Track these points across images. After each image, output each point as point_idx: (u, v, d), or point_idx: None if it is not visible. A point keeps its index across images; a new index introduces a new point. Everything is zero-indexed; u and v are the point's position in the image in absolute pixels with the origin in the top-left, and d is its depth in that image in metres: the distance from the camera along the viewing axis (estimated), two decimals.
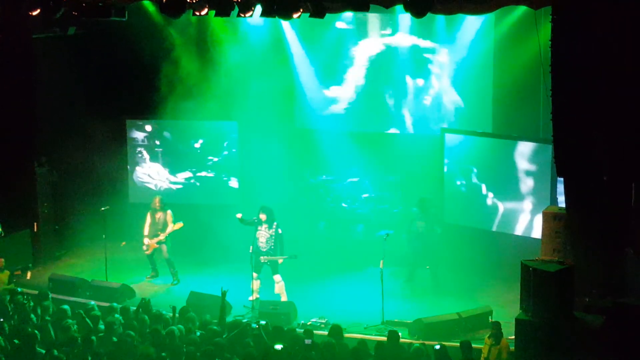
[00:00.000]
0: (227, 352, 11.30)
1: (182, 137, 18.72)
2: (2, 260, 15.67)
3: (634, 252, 13.00)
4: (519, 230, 16.38)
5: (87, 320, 12.48)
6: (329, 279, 16.54)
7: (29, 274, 16.95)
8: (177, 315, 12.84)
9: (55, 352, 11.01)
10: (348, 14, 17.46)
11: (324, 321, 14.25)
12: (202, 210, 18.06)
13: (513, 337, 12.36)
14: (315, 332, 12.49)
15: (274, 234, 15.24)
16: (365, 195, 18.42)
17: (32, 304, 13.35)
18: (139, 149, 18.89)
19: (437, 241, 16.24)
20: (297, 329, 13.06)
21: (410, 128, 18.25)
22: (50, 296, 13.74)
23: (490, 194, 16.77)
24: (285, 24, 18.16)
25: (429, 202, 16.39)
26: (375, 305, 14.51)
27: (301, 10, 13.84)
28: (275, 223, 15.29)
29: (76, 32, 17.61)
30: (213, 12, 14.09)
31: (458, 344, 12.05)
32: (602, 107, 12.36)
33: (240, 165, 18.46)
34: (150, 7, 17.11)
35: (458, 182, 17.16)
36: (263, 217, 15.24)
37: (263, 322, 12.54)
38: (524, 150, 16.21)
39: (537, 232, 15.31)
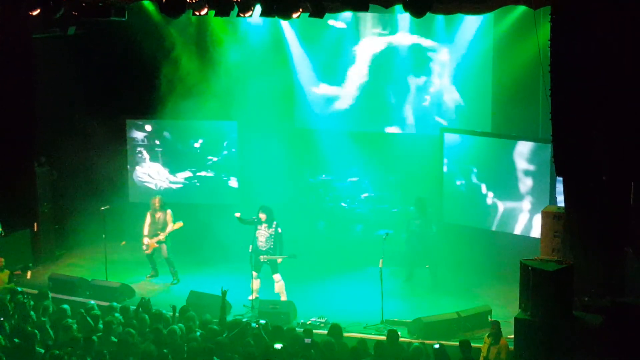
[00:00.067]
0: (229, 351, 11.32)
1: (181, 137, 18.73)
2: (2, 259, 15.68)
3: (634, 251, 13.02)
4: (518, 229, 16.40)
5: (89, 319, 12.49)
6: (328, 278, 16.55)
7: (29, 274, 16.94)
8: (177, 314, 12.86)
9: (57, 352, 11.02)
10: (347, 14, 17.46)
11: (323, 320, 14.27)
12: (202, 209, 18.09)
13: (512, 336, 12.38)
14: (314, 331, 12.48)
15: (273, 233, 15.25)
16: (365, 194, 18.44)
17: (32, 303, 13.36)
18: (138, 148, 18.91)
19: (433, 240, 16.26)
20: (297, 328, 13.05)
21: (411, 126, 18.26)
22: (50, 296, 13.73)
23: (491, 194, 16.78)
24: (285, 24, 18.17)
25: (425, 202, 16.41)
26: (375, 305, 14.51)
27: (301, 10, 13.86)
28: (275, 222, 15.30)
29: (76, 32, 17.59)
30: (213, 12, 14.10)
31: (457, 343, 12.04)
32: (601, 107, 12.37)
33: (240, 165, 18.47)
34: (150, 7, 17.12)
35: (458, 182, 17.18)
36: (263, 216, 15.25)
37: (263, 322, 12.54)
38: (523, 149, 16.22)
39: (536, 232, 15.33)
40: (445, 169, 17.30)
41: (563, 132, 12.61)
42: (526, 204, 16.28)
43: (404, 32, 17.83)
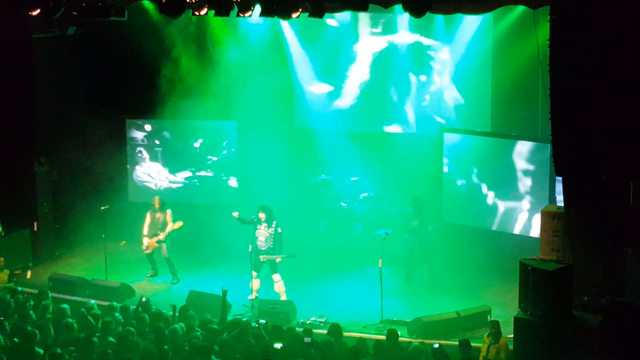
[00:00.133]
0: (230, 351, 11.33)
1: (181, 137, 18.74)
2: (2, 259, 15.69)
3: (633, 251, 13.01)
4: (517, 229, 16.41)
5: (90, 318, 12.49)
6: (328, 278, 16.55)
7: (29, 273, 16.96)
8: (177, 314, 12.86)
9: (59, 350, 11.03)
10: (345, 13, 17.45)
11: (323, 320, 14.28)
12: (202, 209, 18.10)
13: (512, 335, 12.37)
14: (314, 330, 12.48)
15: (273, 233, 15.25)
16: (364, 194, 18.43)
17: (32, 303, 13.37)
18: (138, 148, 18.91)
19: (429, 239, 16.25)
20: (297, 328, 13.05)
21: (411, 125, 18.26)
22: (50, 295, 13.74)
23: (491, 194, 16.79)
24: (285, 24, 18.18)
25: (422, 201, 16.40)
26: (374, 304, 14.52)
27: (300, 10, 13.87)
28: (274, 222, 15.30)
29: (76, 32, 17.63)
30: (212, 12, 14.11)
31: (457, 343, 12.04)
32: (601, 107, 12.36)
33: (240, 165, 18.49)
34: (150, 7, 17.12)
35: (459, 182, 17.18)
36: (262, 216, 15.25)
37: (262, 321, 12.54)
38: (522, 149, 16.23)
39: (535, 231, 15.33)
40: (445, 169, 17.30)
41: (562, 132, 12.60)
42: (526, 204, 16.29)
43: (404, 31, 17.82)
